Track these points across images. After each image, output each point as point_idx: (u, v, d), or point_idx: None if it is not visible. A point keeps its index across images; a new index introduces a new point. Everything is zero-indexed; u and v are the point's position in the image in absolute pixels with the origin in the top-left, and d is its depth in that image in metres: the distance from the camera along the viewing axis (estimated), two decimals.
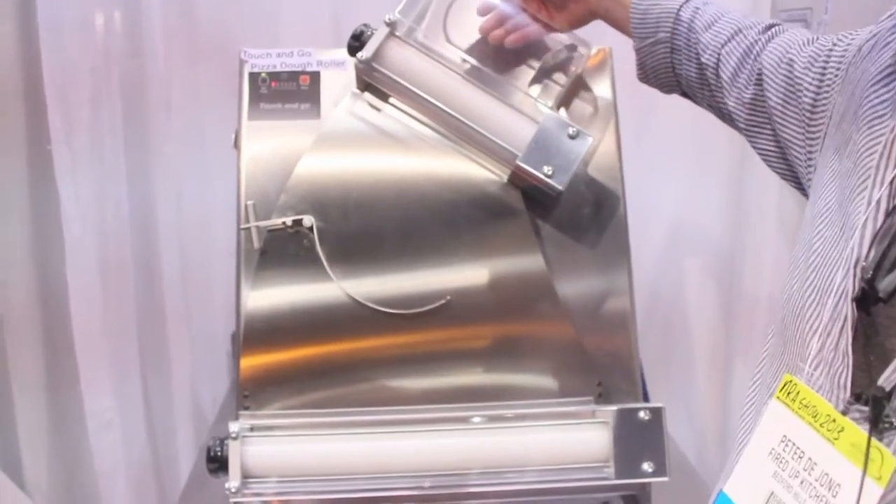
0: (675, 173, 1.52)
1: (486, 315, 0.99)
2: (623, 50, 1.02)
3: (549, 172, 0.97)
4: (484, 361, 0.98)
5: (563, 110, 1.05)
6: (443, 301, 0.97)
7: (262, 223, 0.99)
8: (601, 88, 1.08)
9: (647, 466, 0.93)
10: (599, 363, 0.98)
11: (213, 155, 1.47)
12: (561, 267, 1.00)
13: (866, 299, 0.53)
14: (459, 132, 1.02)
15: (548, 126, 0.99)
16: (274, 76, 1.06)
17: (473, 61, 1.04)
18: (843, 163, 0.63)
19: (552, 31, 1.04)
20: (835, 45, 0.77)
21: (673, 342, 1.57)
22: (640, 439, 0.93)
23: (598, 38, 1.07)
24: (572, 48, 1.05)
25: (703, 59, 0.91)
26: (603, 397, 0.97)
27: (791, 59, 0.81)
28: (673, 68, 0.96)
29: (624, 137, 1.08)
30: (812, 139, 0.76)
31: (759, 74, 0.85)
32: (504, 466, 0.94)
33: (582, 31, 1.07)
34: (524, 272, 1.00)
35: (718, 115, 0.94)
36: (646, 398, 1.03)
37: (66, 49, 1.40)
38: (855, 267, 0.54)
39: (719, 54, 0.90)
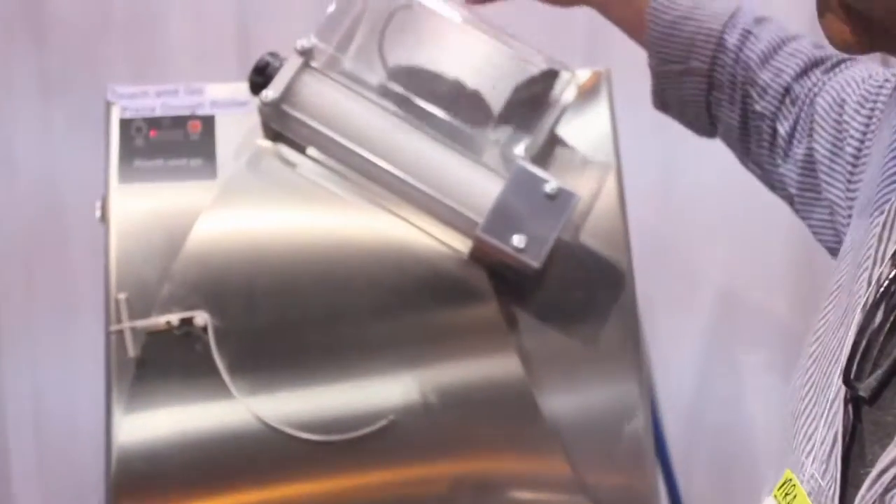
0: (719, 236, 1.29)
1: (443, 442, 0.89)
2: (628, 70, 0.89)
3: (521, 245, 0.86)
4: None
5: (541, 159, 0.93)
6: (384, 422, 0.87)
7: (139, 323, 0.88)
8: (595, 125, 0.96)
9: None
10: None
11: (75, 225, 1.26)
12: (546, 373, 0.89)
13: (856, 400, 0.52)
14: (401, 193, 0.91)
15: (517, 182, 0.87)
16: (153, 123, 0.94)
17: (420, 98, 0.92)
18: (860, 230, 0.61)
19: None
20: (886, 80, 0.70)
21: (732, 482, 1.29)
22: None
23: (592, 57, 0.96)
24: (552, 74, 0.90)
25: (757, 107, 0.80)
26: None
27: (843, 100, 0.74)
28: (708, 108, 0.84)
29: (638, 188, 0.99)
30: (851, 199, 0.71)
31: (812, 123, 0.77)
32: None
33: (572, 50, 0.93)
34: (494, 381, 0.90)
35: (763, 177, 0.84)
36: None
37: None
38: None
39: (781, 101, 0.79)
